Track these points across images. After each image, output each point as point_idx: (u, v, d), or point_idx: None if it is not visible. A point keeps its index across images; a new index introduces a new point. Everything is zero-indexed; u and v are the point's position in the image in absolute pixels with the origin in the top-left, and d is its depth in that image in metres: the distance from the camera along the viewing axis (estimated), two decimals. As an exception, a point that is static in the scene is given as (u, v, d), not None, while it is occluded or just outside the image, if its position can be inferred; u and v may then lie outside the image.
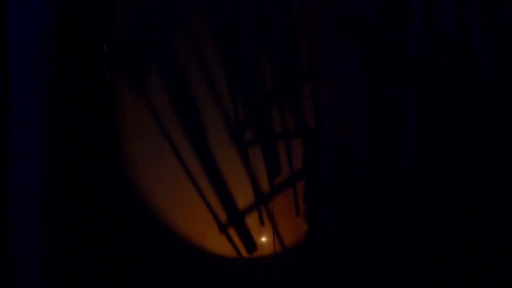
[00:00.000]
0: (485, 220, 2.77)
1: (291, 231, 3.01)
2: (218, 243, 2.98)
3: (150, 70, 2.95)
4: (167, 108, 2.95)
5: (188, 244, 2.96)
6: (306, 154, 3.04)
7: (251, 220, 3.00)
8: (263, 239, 3.01)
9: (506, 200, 2.74)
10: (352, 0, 2.86)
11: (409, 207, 2.83)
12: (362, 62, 2.90)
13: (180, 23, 2.94)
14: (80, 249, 2.76)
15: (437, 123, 2.84)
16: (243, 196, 3.00)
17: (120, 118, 2.93)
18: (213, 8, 2.95)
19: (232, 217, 2.98)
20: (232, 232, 3.00)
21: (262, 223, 3.00)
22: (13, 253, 2.48)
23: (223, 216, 2.99)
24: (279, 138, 3.01)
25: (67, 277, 2.71)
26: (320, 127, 2.94)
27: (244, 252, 2.99)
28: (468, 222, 2.78)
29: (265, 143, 3.00)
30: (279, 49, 3.01)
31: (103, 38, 2.85)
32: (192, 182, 2.96)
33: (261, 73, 2.98)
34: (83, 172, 2.79)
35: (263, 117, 3.00)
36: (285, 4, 3.00)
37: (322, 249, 2.86)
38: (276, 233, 3.00)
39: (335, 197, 2.87)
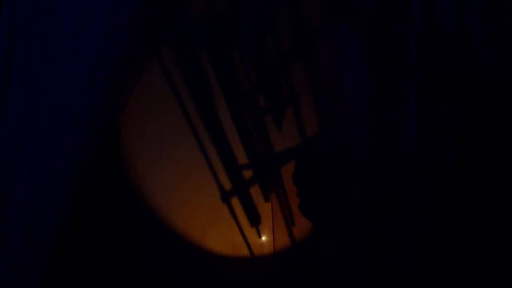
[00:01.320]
0: (486, 220, 2.75)
1: (290, 231, 3.02)
2: (218, 243, 2.99)
3: (149, 70, 2.96)
4: (167, 108, 2.96)
5: (188, 244, 2.96)
6: (305, 154, 3.05)
7: (251, 219, 3.02)
8: (263, 238, 3.01)
9: (507, 200, 2.72)
10: None
11: (410, 205, 2.83)
12: (363, 60, 2.91)
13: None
14: (80, 249, 2.76)
15: (438, 122, 2.83)
16: (243, 196, 3.01)
17: (120, 118, 2.93)
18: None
19: (232, 217, 3.00)
20: (232, 232, 3.00)
21: (258, 223, 3.02)
22: (7, 253, 2.46)
23: (223, 216, 3.01)
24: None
25: (66, 277, 2.72)
26: (321, 124, 2.96)
27: (244, 252, 2.99)
28: (468, 222, 2.76)
29: (265, 142, 3.01)
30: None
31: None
32: (192, 182, 2.97)
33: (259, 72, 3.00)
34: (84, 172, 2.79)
35: (263, 115, 3.01)
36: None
37: (322, 250, 2.85)
38: (275, 232, 3.01)
39: (336, 195, 2.86)
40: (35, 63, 2.41)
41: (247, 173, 3.01)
